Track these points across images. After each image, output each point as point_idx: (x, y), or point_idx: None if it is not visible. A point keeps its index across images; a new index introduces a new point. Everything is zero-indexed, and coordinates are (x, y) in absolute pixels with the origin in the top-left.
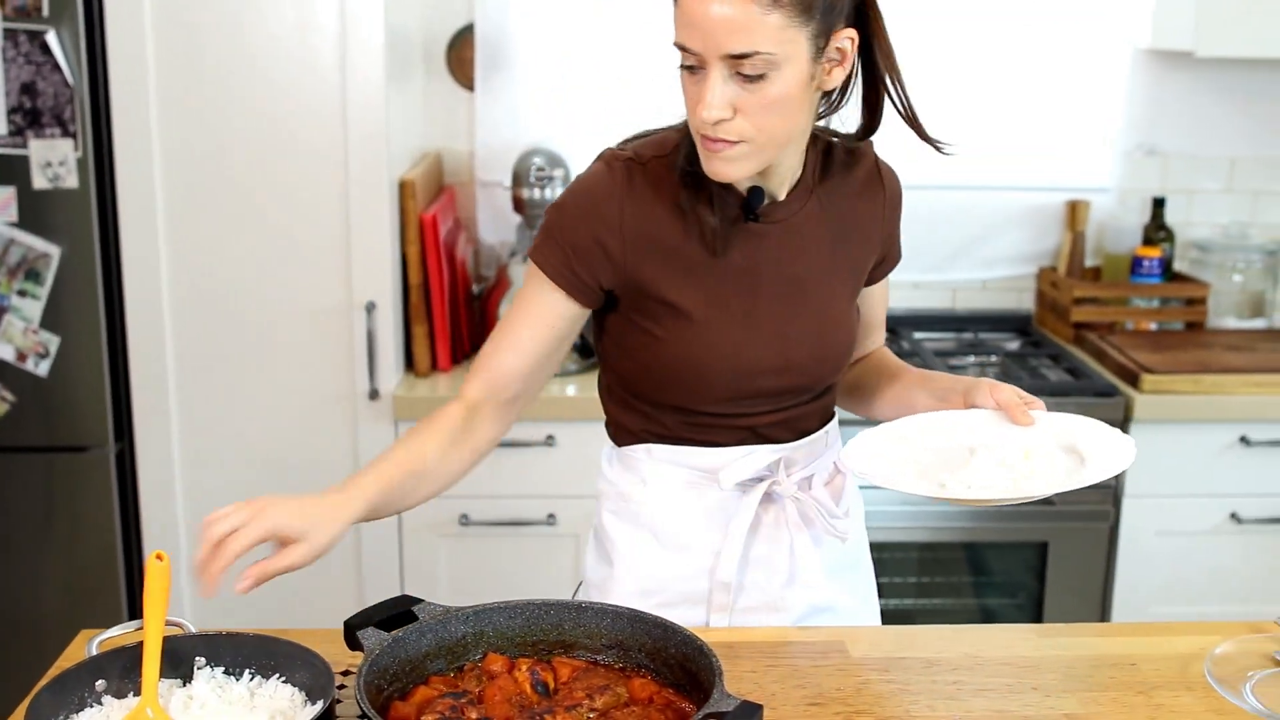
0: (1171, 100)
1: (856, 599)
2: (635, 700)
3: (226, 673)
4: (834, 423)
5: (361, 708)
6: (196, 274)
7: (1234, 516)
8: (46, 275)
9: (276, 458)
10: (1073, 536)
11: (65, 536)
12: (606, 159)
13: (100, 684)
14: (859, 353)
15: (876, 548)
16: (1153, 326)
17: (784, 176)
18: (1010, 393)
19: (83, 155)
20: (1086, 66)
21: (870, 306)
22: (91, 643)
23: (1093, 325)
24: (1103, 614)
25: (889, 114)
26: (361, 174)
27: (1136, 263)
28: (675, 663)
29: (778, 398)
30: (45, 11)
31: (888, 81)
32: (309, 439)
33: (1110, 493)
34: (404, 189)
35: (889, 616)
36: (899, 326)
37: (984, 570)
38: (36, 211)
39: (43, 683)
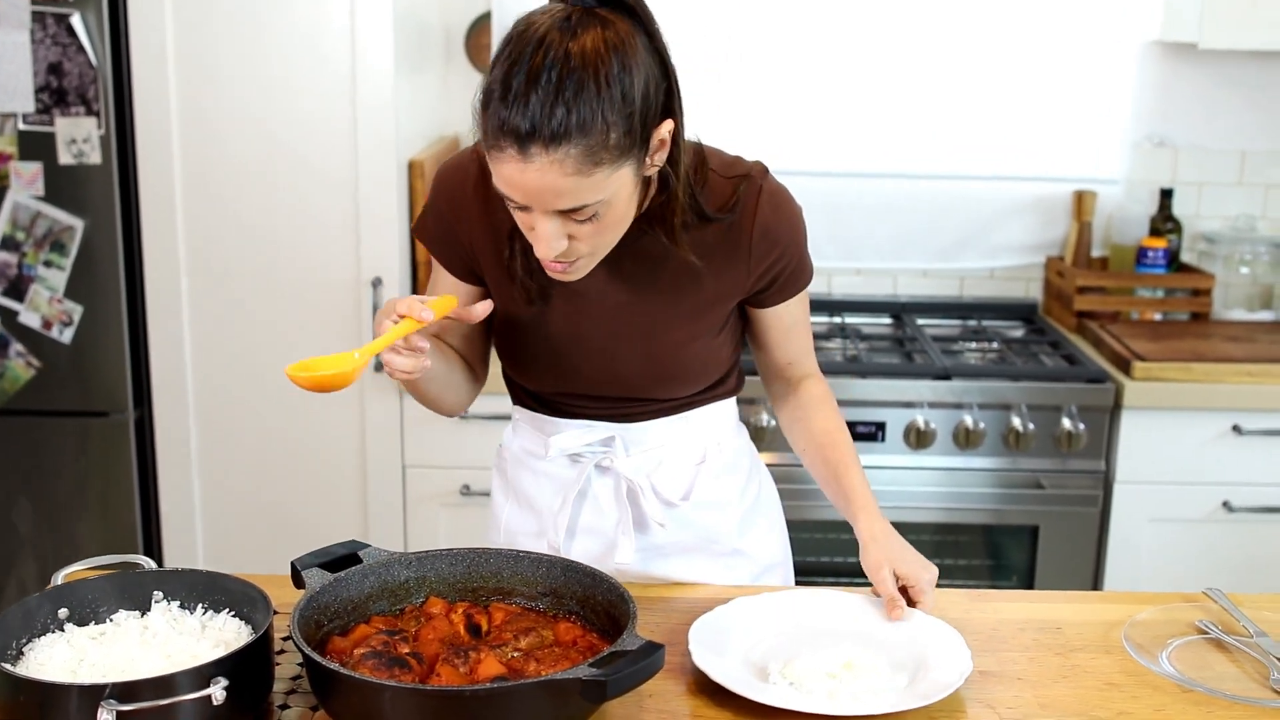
0: (1182, 92)
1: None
2: (559, 642)
3: (181, 606)
4: (704, 411)
5: (293, 638)
6: (212, 247)
7: (1226, 505)
8: (71, 247)
9: (286, 425)
10: (1063, 520)
11: (88, 497)
12: (475, 145)
13: (63, 612)
14: (772, 375)
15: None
16: (1157, 317)
17: None
18: (889, 585)
19: (105, 133)
20: (1096, 57)
21: (766, 329)
22: (57, 575)
23: (1096, 315)
24: None
25: (891, 101)
26: (370, 154)
27: (1142, 253)
28: (601, 609)
29: (614, 402)
30: None
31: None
32: (317, 408)
33: (1100, 478)
34: (413, 169)
35: None
36: (905, 313)
37: (977, 553)
38: (62, 186)
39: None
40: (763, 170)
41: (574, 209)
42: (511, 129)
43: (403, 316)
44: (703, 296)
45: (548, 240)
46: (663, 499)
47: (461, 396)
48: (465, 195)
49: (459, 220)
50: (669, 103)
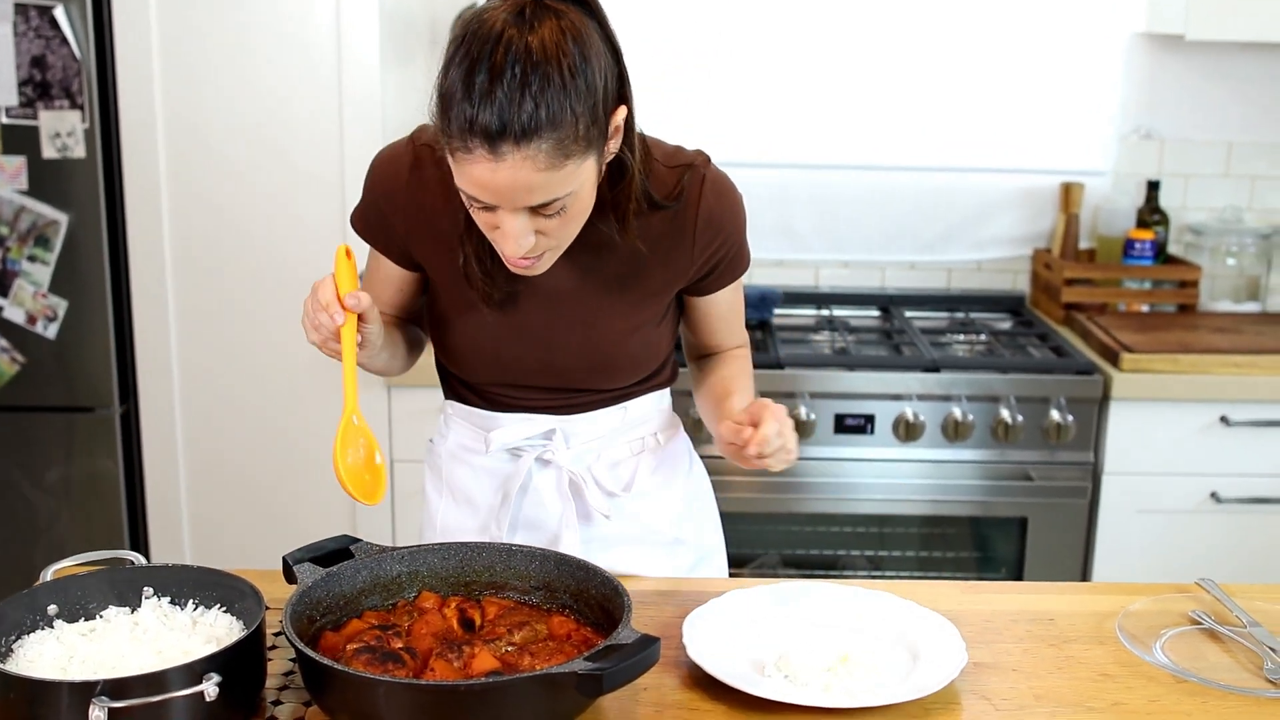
0: (1169, 84)
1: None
2: (554, 636)
3: (172, 602)
4: (641, 401)
5: (285, 633)
6: (198, 241)
7: (1214, 496)
8: (55, 241)
9: (273, 419)
10: (1051, 512)
11: (74, 492)
12: (411, 137)
13: (52, 608)
14: (700, 354)
15: (872, 520)
16: (1144, 308)
17: None
18: (734, 426)
19: (90, 126)
20: (1083, 49)
21: (703, 315)
22: (46, 571)
23: (1084, 306)
24: None
25: (866, 91)
26: (357, 147)
27: (1129, 245)
28: (595, 603)
29: (555, 393)
30: None
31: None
32: (303, 401)
33: (1089, 470)
34: None
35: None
36: (892, 305)
37: (966, 545)
38: (46, 180)
39: None
40: (705, 159)
41: (543, 204)
42: (481, 128)
43: (329, 306)
44: (647, 285)
45: (516, 238)
46: (605, 490)
47: (405, 358)
48: (399, 184)
49: (393, 209)
50: (621, 88)
